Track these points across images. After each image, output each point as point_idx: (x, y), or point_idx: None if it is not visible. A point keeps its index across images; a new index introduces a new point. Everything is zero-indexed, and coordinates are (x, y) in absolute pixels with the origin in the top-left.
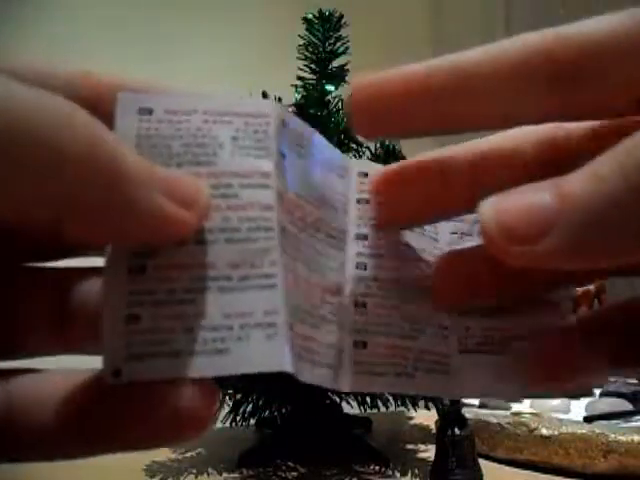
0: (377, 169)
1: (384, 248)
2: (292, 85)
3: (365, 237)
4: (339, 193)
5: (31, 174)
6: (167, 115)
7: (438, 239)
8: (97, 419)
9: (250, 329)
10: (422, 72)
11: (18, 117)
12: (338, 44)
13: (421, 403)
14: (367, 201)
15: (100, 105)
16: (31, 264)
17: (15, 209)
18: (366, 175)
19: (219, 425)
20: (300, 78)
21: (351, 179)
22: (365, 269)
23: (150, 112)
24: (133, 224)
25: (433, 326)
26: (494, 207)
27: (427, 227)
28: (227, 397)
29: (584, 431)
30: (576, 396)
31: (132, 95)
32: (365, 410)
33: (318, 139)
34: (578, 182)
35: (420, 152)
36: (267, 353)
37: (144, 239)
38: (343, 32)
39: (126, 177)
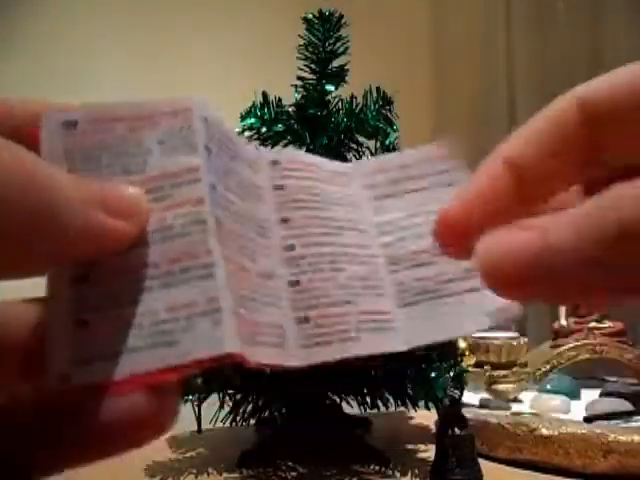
0: (288, 155)
1: (307, 227)
2: (292, 85)
3: (287, 220)
4: (255, 184)
5: None
6: (91, 125)
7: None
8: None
9: (196, 318)
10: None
11: None
12: (338, 44)
13: (421, 403)
14: (282, 187)
15: (17, 133)
16: None
17: None
18: (276, 163)
19: (219, 425)
20: (300, 78)
21: (264, 169)
22: (293, 249)
23: (74, 125)
24: (73, 245)
25: (368, 287)
26: (488, 251)
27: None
28: (227, 397)
29: (584, 431)
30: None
31: (56, 112)
32: (365, 410)
33: (233, 133)
34: (565, 237)
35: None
36: (214, 338)
37: (86, 255)
38: (343, 32)
39: (64, 203)
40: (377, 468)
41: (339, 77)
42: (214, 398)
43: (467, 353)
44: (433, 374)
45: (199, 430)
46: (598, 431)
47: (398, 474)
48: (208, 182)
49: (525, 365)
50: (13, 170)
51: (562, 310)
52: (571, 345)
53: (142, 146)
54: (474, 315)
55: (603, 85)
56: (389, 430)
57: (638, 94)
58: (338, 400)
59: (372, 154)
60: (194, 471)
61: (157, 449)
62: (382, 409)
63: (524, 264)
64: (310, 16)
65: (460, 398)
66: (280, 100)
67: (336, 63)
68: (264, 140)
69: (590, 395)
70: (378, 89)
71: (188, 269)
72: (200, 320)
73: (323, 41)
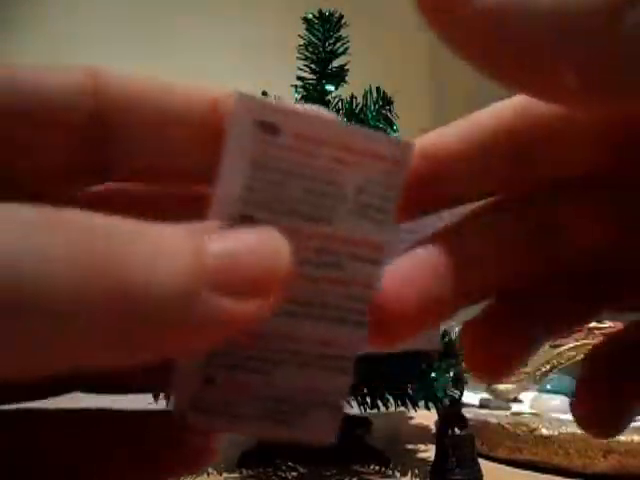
0: None
1: None
2: (292, 85)
3: None
4: None
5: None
6: (297, 142)
7: None
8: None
9: (316, 407)
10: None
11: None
12: (338, 44)
13: (421, 403)
14: None
15: (110, 116)
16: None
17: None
18: None
19: None
20: (300, 78)
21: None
22: None
23: (275, 131)
24: (182, 342)
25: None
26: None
27: None
28: None
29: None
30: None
31: (252, 101)
32: (365, 410)
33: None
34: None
35: None
36: (327, 430)
37: (203, 346)
38: (343, 32)
39: (161, 297)
40: (377, 468)
41: (339, 77)
42: None
43: None
44: (433, 374)
45: None
46: None
47: (398, 474)
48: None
49: (525, 365)
50: (103, 266)
51: None
52: (571, 345)
53: (341, 188)
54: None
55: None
56: (389, 430)
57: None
58: None
59: None
60: None
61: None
62: (382, 409)
63: None
64: (310, 16)
65: (460, 398)
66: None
67: (336, 63)
68: None
69: None
70: (378, 89)
71: (332, 358)
72: (319, 409)
73: (323, 41)
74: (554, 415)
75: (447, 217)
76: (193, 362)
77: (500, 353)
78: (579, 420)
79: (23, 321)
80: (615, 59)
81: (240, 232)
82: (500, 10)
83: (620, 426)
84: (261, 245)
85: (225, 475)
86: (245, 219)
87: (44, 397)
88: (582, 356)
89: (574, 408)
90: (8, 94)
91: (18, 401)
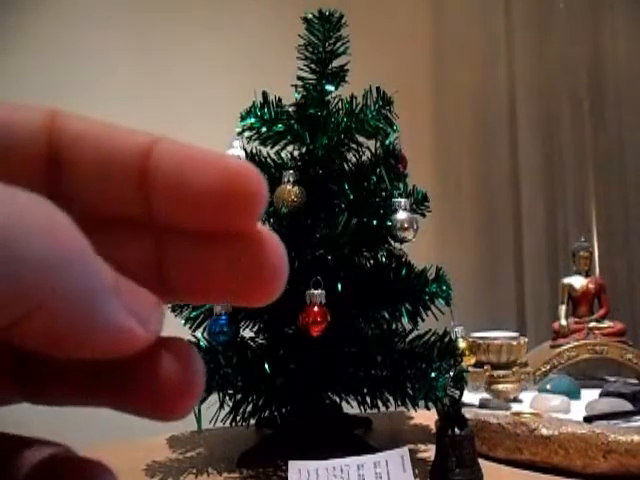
0: None
1: None
2: (292, 85)
3: None
4: None
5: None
6: None
7: None
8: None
9: None
10: None
11: None
12: (338, 44)
13: (421, 403)
14: None
15: (61, 153)
16: None
17: None
18: None
19: (219, 425)
20: (300, 78)
21: None
22: None
23: None
24: (99, 336)
25: None
26: None
27: None
28: (227, 397)
29: (584, 431)
30: None
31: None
32: (365, 410)
33: None
34: None
35: (421, 152)
36: None
37: (103, 352)
38: (343, 32)
39: (104, 289)
40: None
41: (339, 77)
42: (214, 398)
43: (467, 353)
44: (433, 374)
45: (199, 430)
46: (598, 431)
47: None
48: None
49: (525, 365)
50: (65, 241)
51: (562, 310)
52: (571, 345)
53: None
54: None
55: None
56: (389, 430)
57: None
58: (338, 400)
59: (372, 154)
60: (194, 471)
61: (157, 449)
62: (382, 409)
63: None
64: (310, 16)
65: (460, 398)
66: (280, 100)
67: (336, 63)
68: (264, 140)
69: (590, 395)
70: (378, 89)
71: None
72: None
73: (323, 41)
74: (554, 415)
75: None
76: None
77: None
78: None
79: None
80: None
81: None
82: None
83: None
84: None
85: (225, 475)
86: None
87: None
88: (582, 356)
89: None
90: None
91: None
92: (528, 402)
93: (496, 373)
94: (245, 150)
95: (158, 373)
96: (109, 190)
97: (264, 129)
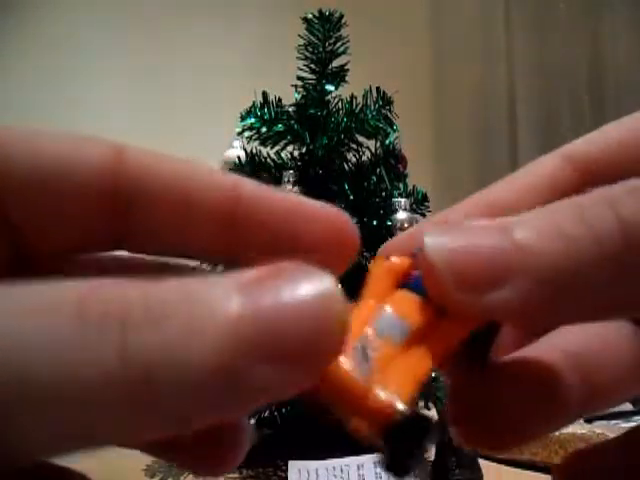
0: None
1: None
2: (292, 85)
3: None
4: None
5: None
6: None
7: None
8: None
9: None
10: None
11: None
12: (338, 44)
13: (421, 403)
14: None
15: (131, 196)
16: None
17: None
18: None
19: None
20: (300, 78)
21: None
22: None
23: None
24: (220, 416)
25: None
26: (444, 246)
27: None
28: None
29: (584, 431)
30: None
31: None
32: None
33: None
34: (538, 235)
35: (420, 152)
36: None
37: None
38: (343, 32)
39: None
40: None
41: (339, 77)
42: None
43: None
44: (433, 374)
45: None
46: (598, 431)
47: None
48: None
49: None
50: None
51: None
52: None
53: None
54: None
55: (592, 143)
56: None
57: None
58: None
59: (372, 154)
60: None
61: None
62: None
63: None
64: (310, 16)
65: None
66: (280, 100)
67: (336, 63)
68: (264, 140)
69: None
70: (378, 89)
71: None
72: None
73: (323, 41)
74: None
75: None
76: None
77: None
78: None
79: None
80: None
81: (282, 284)
82: None
83: None
84: (307, 305)
85: (225, 475)
86: None
87: None
88: None
89: None
90: (29, 166)
91: None
92: None
93: None
94: (245, 150)
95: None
96: (188, 231)
97: (264, 129)
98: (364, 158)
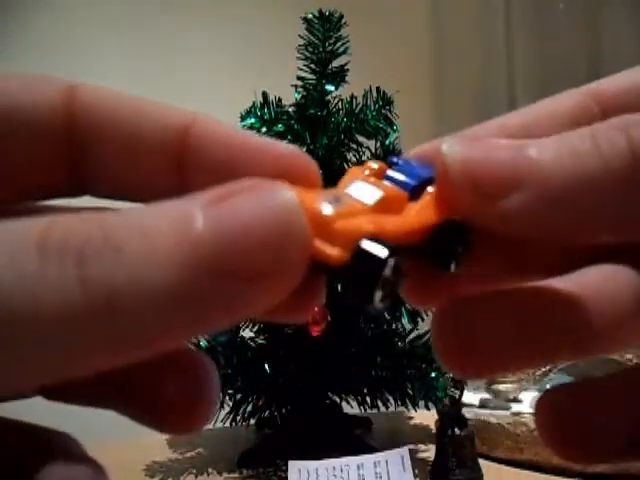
0: None
1: None
2: (292, 85)
3: None
4: None
5: None
6: None
7: None
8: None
9: None
10: None
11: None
12: (338, 44)
13: (421, 403)
14: None
15: (84, 136)
16: None
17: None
18: None
19: (219, 425)
20: (300, 78)
21: None
22: None
23: None
24: (191, 332)
25: None
26: (462, 155)
27: None
28: (227, 397)
29: None
30: None
31: None
32: (365, 410)
33: None
34: (550, 152)
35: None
36: None
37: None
38: (343, 32)
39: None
40: None
41: (339, 77)
42: None
43: None
44: (433, 374)
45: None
46: None
47: None
48: None
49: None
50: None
51: None
52: None
53: None
54: None
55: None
56: (389, 430)
57: None
58: (338, 400)
59: (372, 154)
60: (194, 471)
61: (157, 449)
62: (382, 409)
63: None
64: (310, 16)
65: (460, 398)
66: (280, 100)
67: (336, 63)
68: None
69: None
70: (378, 89)
71: None
72: None
73: (323, 41)
74: None
75: None
76: None
77: None
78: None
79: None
80: None
81: (236, 199)
82: None
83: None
84: (263, 217)
85: (225, 475)
86: None
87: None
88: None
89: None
90: None
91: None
92: (528, 402)
93: None
94: None
95: (169, 387)
96: (138, 169)
97: (264, 129)
98: (364, 158)
